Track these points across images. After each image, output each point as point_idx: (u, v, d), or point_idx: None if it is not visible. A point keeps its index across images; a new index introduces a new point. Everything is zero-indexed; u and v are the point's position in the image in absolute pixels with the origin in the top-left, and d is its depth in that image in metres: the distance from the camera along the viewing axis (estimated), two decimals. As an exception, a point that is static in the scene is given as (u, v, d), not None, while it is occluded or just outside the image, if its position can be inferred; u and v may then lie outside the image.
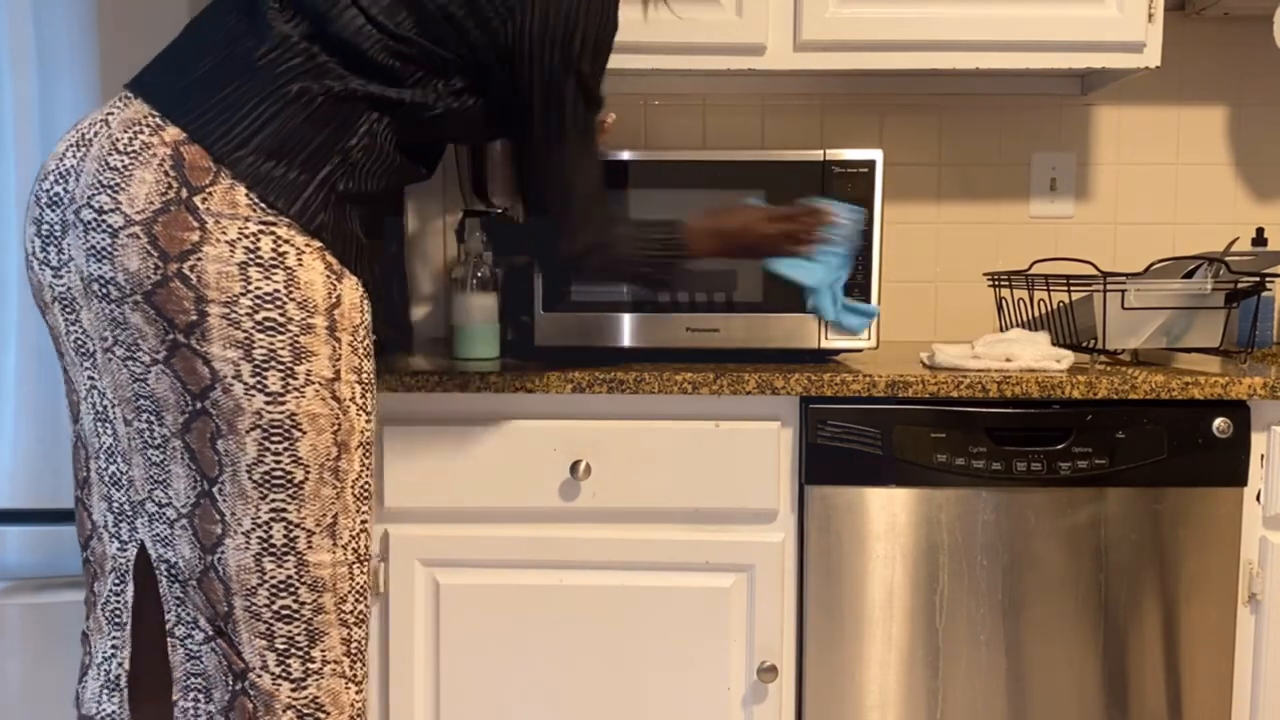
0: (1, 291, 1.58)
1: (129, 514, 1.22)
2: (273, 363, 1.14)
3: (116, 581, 1.25)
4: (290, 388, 1.15)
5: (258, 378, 1.13)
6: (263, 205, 1.14)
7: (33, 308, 1.57)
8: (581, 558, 1.59)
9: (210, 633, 1.20)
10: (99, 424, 1.21)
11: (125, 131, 1.14)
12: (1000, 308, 2.00)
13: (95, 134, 1.17)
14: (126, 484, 1.21)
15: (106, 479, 1.23)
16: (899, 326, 2.19)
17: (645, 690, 1.60)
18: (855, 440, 1.56)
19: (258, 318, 1.13)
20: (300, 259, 1.15)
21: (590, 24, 1.27)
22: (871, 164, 1.67)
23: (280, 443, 1.15)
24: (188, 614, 1.21)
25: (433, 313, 2.16)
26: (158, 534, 1.20)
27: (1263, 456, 1.57)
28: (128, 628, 1.24)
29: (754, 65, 1.83)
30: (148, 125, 1.14)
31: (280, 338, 1.14)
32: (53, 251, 1.17)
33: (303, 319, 1.15)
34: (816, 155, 1.67)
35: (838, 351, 1.74)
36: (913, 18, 1.80)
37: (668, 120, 2.16)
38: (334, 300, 1.18)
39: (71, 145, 1.18)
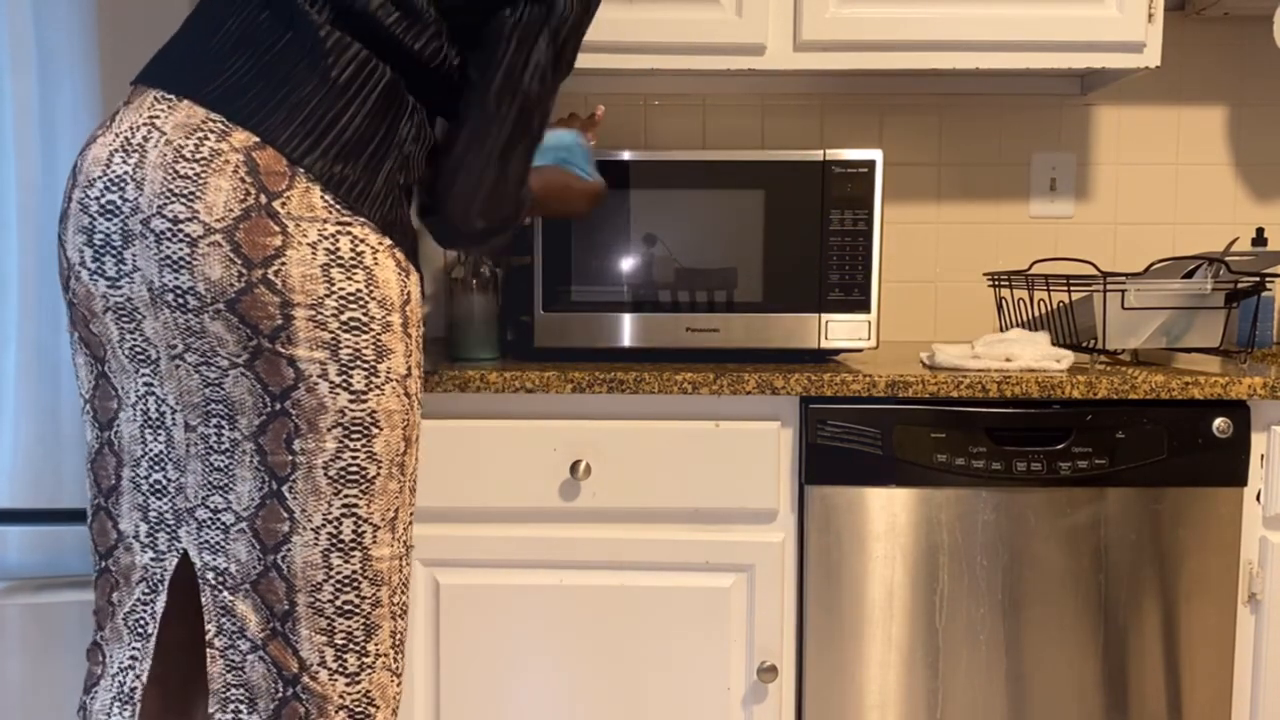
0: (2, 291, 1.58)
1: (170, 523, 1.21)
2: (358, 361, 1.15)
3: (147, 591, 1.23)
4: (373, 386, 1.17)
5: (343, 376, 1.15)
6: (338, 206, 1.14)
7: (34, 308, 1.57)
8: (581, 558, 1.59)
9: (259, 641, 1.19)
10: (148, 431, 1.20)
11: (189, 138, 1.12)
12: (1000, 308, 2.00)
13: (147, 139, 1.14)
14: (174, 492, 1.20)
15: (145, 488, 1.22)
16: (899, 326, 2.19)
17: (645, 690, 1.60)
18: (855, 440, 1.56)
19: (343, 318, 1.14)
20: (376, 258, 1.17)
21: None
22: (871, 164, 1.67)
23: (359, 439, 1.16)
24: (232, 624, 1.20)
25: (433, 313, 2.16)
26: (207, 540, 1.19)
27: (1263, 456, 1.57)
28: (153, 639, 1.23)
29: (754, 65, 1.83)
30: (213, 130, 1.13)
31: (364, 337, 1.15)
32: (109, 261, 1.15)
33: (383, 317, 1.17)
34: (816, 155, 1.68)
35: (838, 351, 1.74)
36: (913, 18, 1.80)
37: (668, 120, 2.16)
38: (405, 297, 1.20)
39: (117, 150, 1.15)
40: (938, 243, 2.19)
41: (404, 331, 1.20)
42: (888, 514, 1.58)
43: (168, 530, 1.21)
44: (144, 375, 1.19)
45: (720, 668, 1.60)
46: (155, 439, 1.20)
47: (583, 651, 1.60)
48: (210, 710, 1.22)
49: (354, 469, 1.17)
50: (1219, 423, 1.55)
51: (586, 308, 1.70)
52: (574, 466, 1.56)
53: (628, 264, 1.69)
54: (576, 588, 1.59)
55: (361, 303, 1.15)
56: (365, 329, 1.16)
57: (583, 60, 1.79)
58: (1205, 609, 1.58)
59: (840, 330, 1.69)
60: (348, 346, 1.14)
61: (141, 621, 1.24)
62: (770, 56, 1.83)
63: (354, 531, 1.18)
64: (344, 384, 1.15)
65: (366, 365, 1.16)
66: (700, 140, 2.17)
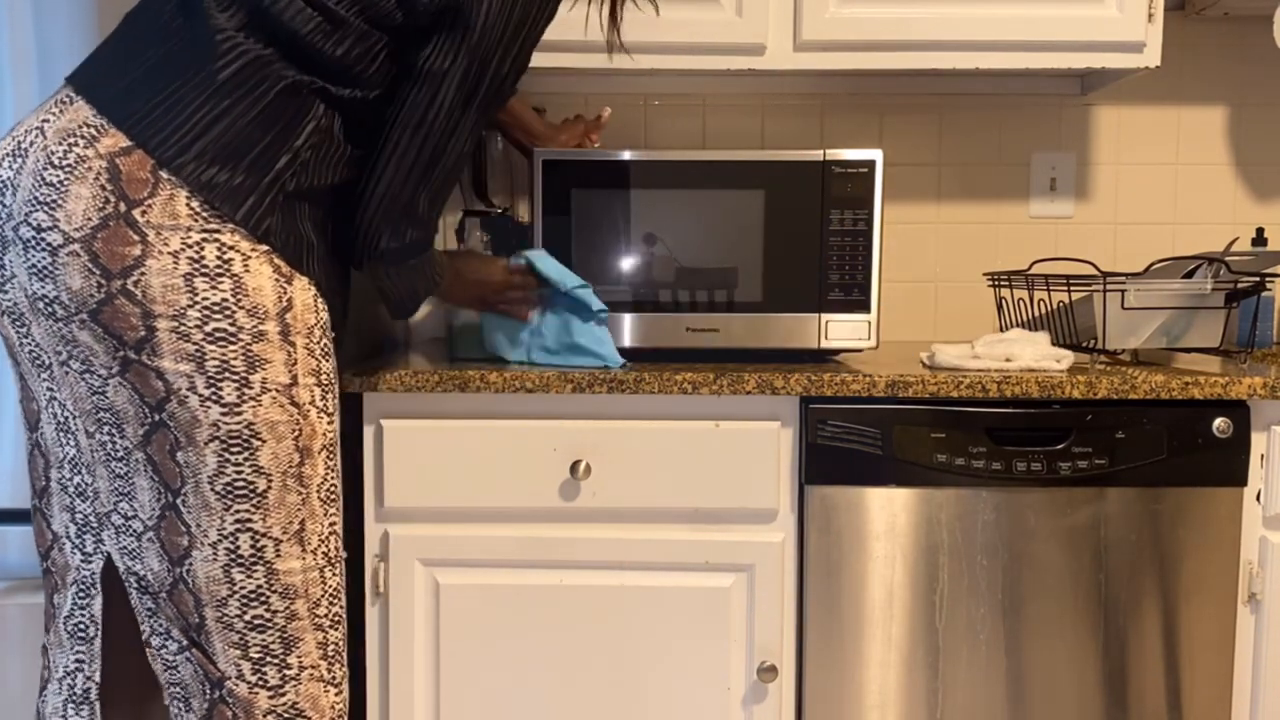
0: (2, 291, 1.57)
1: (94, 525, 1.20)
2: (226, 373, 1.12)
3: (80, 595, 1.23)
4: (246, 397, 1.13)
5: (212, 389, 1.12)
6: (205, 213, 1.11)
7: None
8: (581, 558, 1.59)
9: (184, 643, 1.19)
10: (61, 434, 1.20)
11: (61, 144, 1.11)
12: (1000, 308, 2.00)
13: (30, 144, 1.13)
14: (91, 495, 1.19)
15: (70, 490, 1.21)
16: (899, 326, 2.19)
17: (645, 690, 1.60)
18: (855, 440, 1.56)
19: (207, 329, 1.11)
20: (246, 265, 1.13)
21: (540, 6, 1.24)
22: (871, 164, 1.67)
23: (240, 453, 1.14)
24: (160, 625, 1.19)
25: (433, 313, 2.16)
26: (125, 546, 1.18)
27: (1263, 456, 1.57)
28: (95, 642, 1.23)
29: (754, 65, 1.83)
30: (83, 136, 1.11)
31: (232, 348, 1.12)
32: None
33: (253, 326, 1.13)
34: (816, 155, 1.68)
35: (838, 351, 1.74)
36: (912, 18, 1.80)
37: (668, 120, 2.16)
38: (285, 304, 1.16)
39: (7, 154, 1.14)
40: (938, 243, 2.19)
41: (284, 340, 1.15)
42: (888, 514, 1.58)
43: (93, 533, 1.21)
44: (44, 380, 1.18)
45: (720, 668, 1.60)
46: (68, 443, 1.19)
47: (583, 651, 1.60)
48: (165, 701, 1.23)
49: (240, 483, 1.14)
50: (1219, 423, 1.55)
51: (586, 308, 1.69)
52: (574, 466, 1.56)
53: (628, 264, 1.69)
54: (576, 588, 1.59)
55: (228, 312, 1.12)
56: (233, 339, 1.12)
57: (583, 60, 1.80)
58: (1205, 609, 1.58)
59: (840, 330, 1.69)
60: (214, 358, 1.11)
61: (81, 625, 1.23)
62: (770, 56, 1.83)
63: (252, 546, 1.16)
64: (214, 397, 1.12)
65: (237, 376, 1.12)
66: (700, 140, 2.17)
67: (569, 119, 1.83)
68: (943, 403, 1.56)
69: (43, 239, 1.09)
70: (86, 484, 1.19)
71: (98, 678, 1.23)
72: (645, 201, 1.68)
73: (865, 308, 1.69)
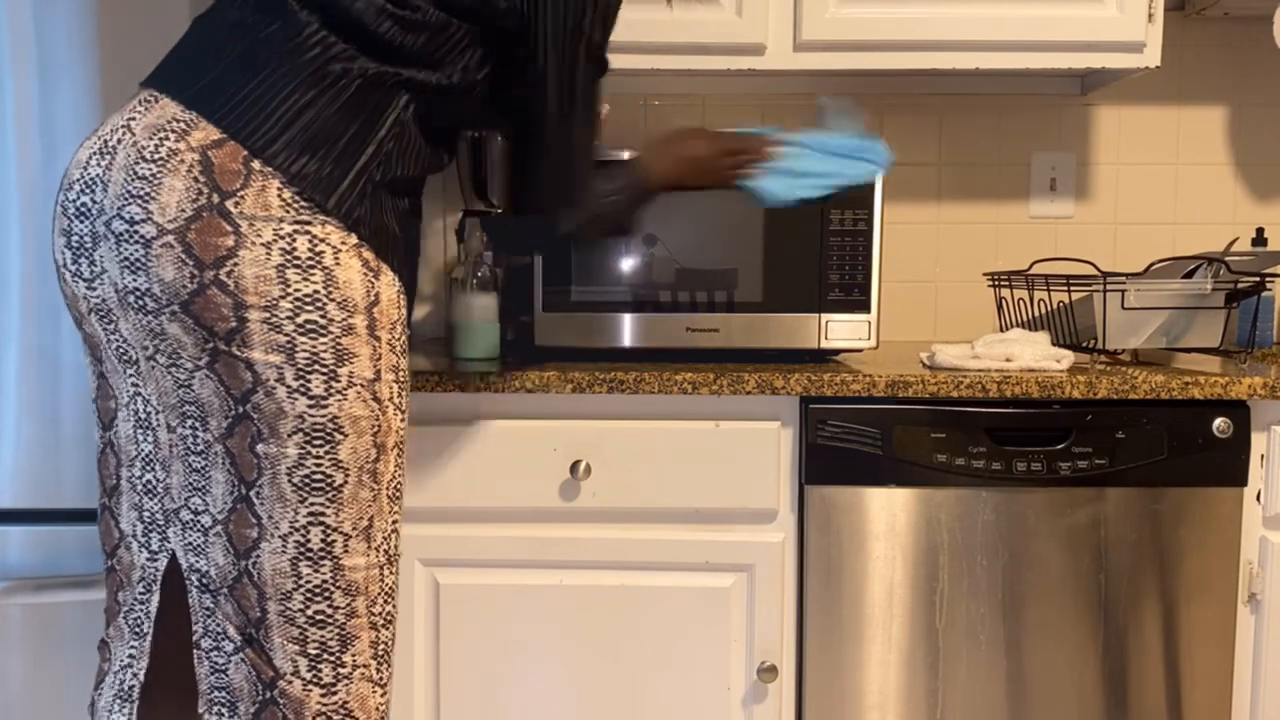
0: (2, 291, 1.58)
1: (160, 523, 1.21)
2: (316, 366, 1.12)
3: (143, 591, 1.23)
4: (333, 391, 1.13)
5: (301, 381, 1.12)
6: (297, 204, 1.12)
7: (34, 308, 1.57)
8: (581, 558, 1.59)
9: (239, 642, 1.19)
10: (139, 431, 1.20)
11: (151, 138, 1.12)
12: (1000, 308, 2.00)
13: (119, 141, 1.14)
14: (162, 492, 1.19)
15: (140, 487, 1.21)
16: (899, 326, 2.19)
17: (645, 690, 1.60)
18: (855, 440, 1.56)
19: (299, 320, 1.11)
20: (337, 258, 1.13)
21: None
22: (871, 164, 1.66)
23: (322, 446, 1.14)
24: (216, 625, 1.19)
25: (433, 313, 2.16)
26: (190, 543, 1.18)
27: (1263, 456, 1.57)
28: (148, 638, 1.23)
29: (754, 65, 1.83)
30: (173, 130, 1.12)
31: (322, 340, 1.12)
32: (84, 264, 1.15)
33: (343, 320, 1.13)
34: (816, 155, 1.67)
35: (838, 351, 1.74)
36: (912, 18, 1.80)
37: (668, 120, 2.16)
38: (372, 298, 1.16)
39: (95, 153, 1.16)
40: (938, 243, 2.19)
41: (370, 334, 1.16)
42: (888, 514, 1.58)
43: (159, 531, 1.21)
44: (130, 376, 1.19)
45: (720, 668, 1.60)
46: (145, 439, 1.20)
47: (583, 651, 1.60)
48: (199, 710, 1.21)
49: (319, 476, 1.14)
50: (1219, 423, 1.55)
51: (586, 308, 1.70)
52: (574, 466, 1.56)
53: (628, 264, 1.69)
54: (576, 588, 1.59)
55: (319, 304, 1.12)
56: (323, 332, 1.12)
57: (583, 60, 1.80)
58: (1205, 609, 1.58)
59: (840, 330, 1.69)
60: (304, 350, 1.11)
61: (138, 621, 1.24)
62: (770, 56, 1.83)
63: (323, 540, 1.16)
64: (302, 389, 1.12)
65: (325, 369, 1.12)
66: (700, 140, 2.17)
67: None
68: (943, 403, 1.56)
69: (136, 232, 1.10)
70: (157, 480, 1.20)
71: (143, 676, 1.23)
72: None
73: (865, 308, 1.69)
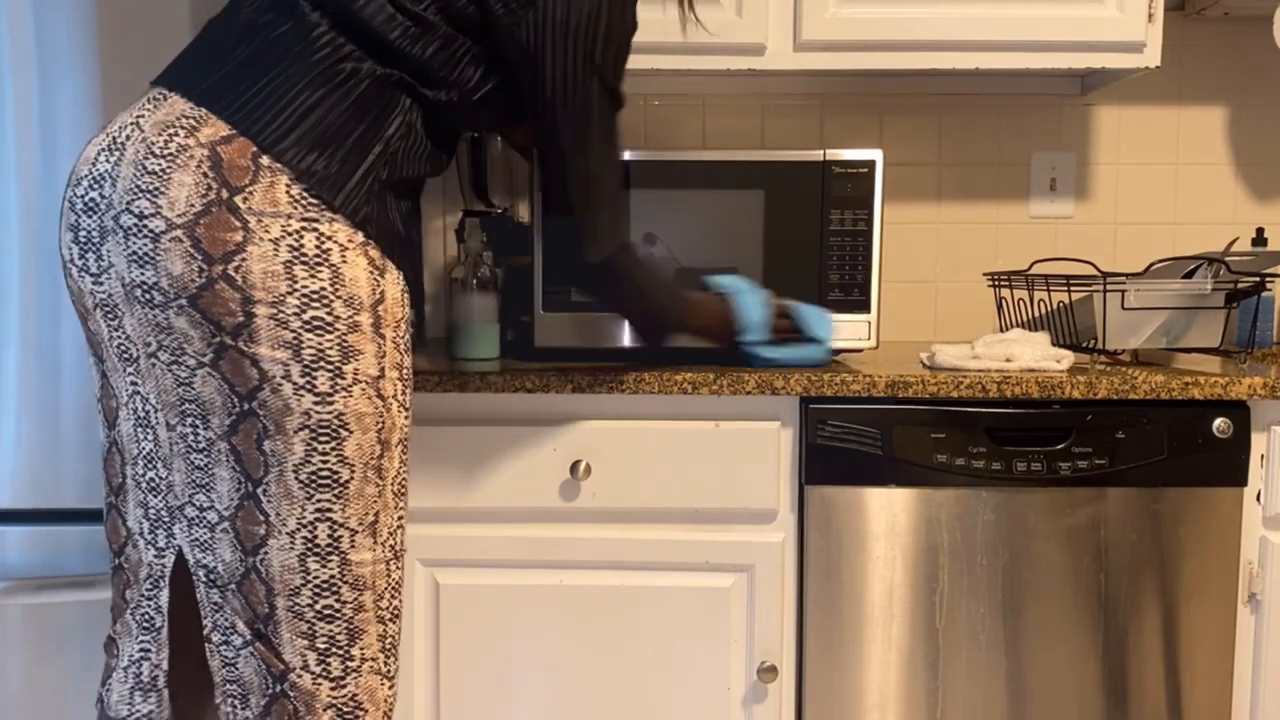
0: (2, 291, 1.58)
1: (166, 520, 1.21)
2: (321, 362, 1.13)
3: (150, 587, 1.23)
4: (338, 387, 1.14)
5: (307, 378, 1.12)
6: (305, 201, 1.12)
7: (34, 308, 1.57)
8: (581, 558, 1.59)
9: (249, 637, 1.19)
10: (139, 429, 1.20)
11: (160, 134, 1.13)
12: (1000, 308, 2.00)
13: (128, 137, 1.15)
14: (165, 489, 1.20)
15: (144, 485, 1.22)
16: (899, 326, 2.19)
17: (645, 690, 1.60)
18: (855, 440, 1.56)
19: (305, 317, 1.12)
20: (344, 255, 1.14)
21: (611, 19, 1.27)
22: (871, 164, 1.67)
23: (328, 442, 1.14)
24: (225, 620, 1.20)
25: (433, 313, 2.16)
26: (197, 539, 1.18)
27: (1263, 456, 1.57)
28: (163, 631, 1.23)
29: (754, 65, 1.83)
30: (183, 127, 1.13)
31: (328, 337, 1.13)
32: (91, 258, 1.16)
33: (349, 317, 1.14)
34: (816, 155, 1.68)
35: (838, 351, 1.74)
36: (913, 18, 1.80)
37: (668, 120, 2.16)
38: (378, 296, 1.17)
39: (103, 149, 1.16)
40: (938, 243, 2.19)
41: (375, 332, 1.17)
42: (888, 514, 1.58)
43: (165, 527, 1.21)
44: (129, 374, 1.19)
45: (720, 668, 1.60)
46: (145, 437, 1.20)
47: (582, 651, 1.60)
48: (217, 701, 1.22)
49: (325, 472, 1.15)
50: (1219, 423, 1.55)
51: (587, 308, 1.69)
52: (574, 466, 1.56)
53: (628, 264, 1.69)
54: (576, 588, 1.59)
55: (325, 301, 1.13)
56: (329, 329, 1.13)
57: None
58: (1205, 609, 1.58)
59: (840, 330, 1.69)
60: (310, 347, 1.12)
61: (148, 616, 1.24)
62: (770, 56, 1.83)
63: (330, 536, 1.17)
64: (308, 386, 1.12)
65: (331, 366, 1.13)
66: (700, 140, 2.17)
67: None
68: (943, 403, 1.56)
69: (145, 226, 1.10)
70: (160, 478, 1.20)
71: (165, 665, 1.24)
72: (645, 201, 1.68)
73: (865, 308, 1.69)
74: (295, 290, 1.11)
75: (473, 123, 1.41)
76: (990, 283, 2.02)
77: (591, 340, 1.70)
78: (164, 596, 1.22)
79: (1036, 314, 1.96)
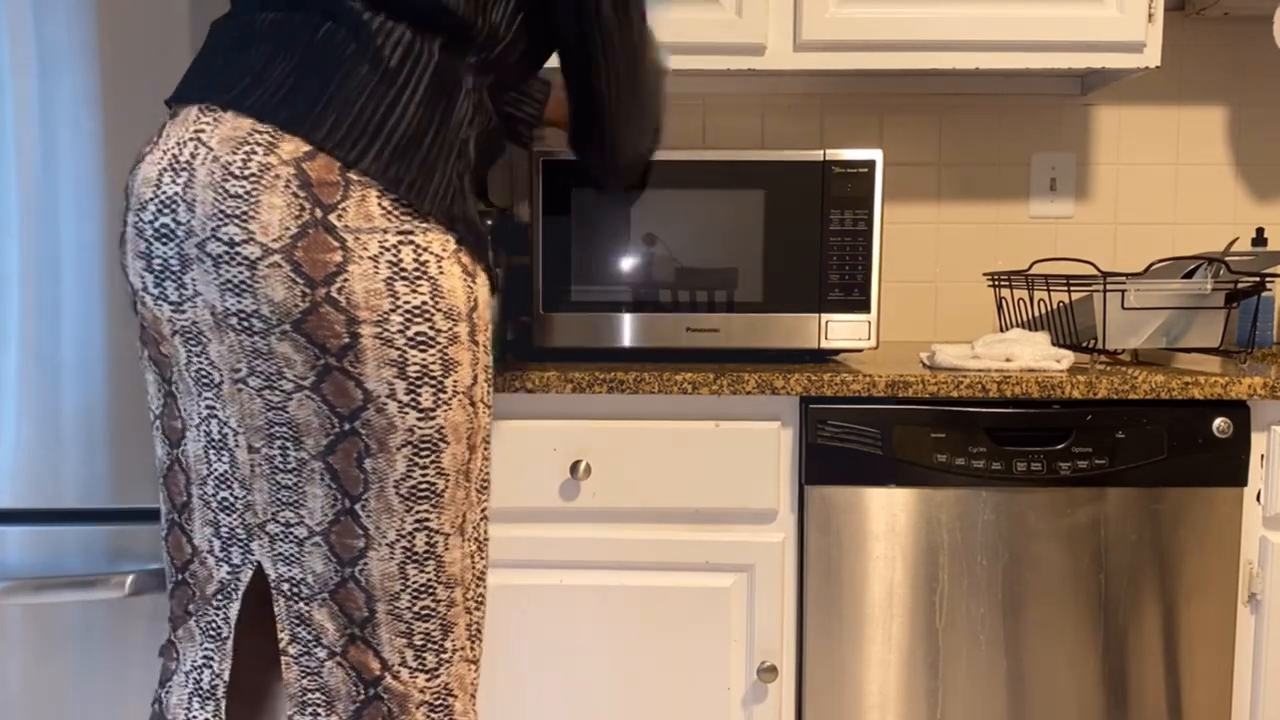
0: (2, 291, 1.58)
1: (241, 537, 1.20)
2: (425, 379, 1.12)
3: (222, 600, 1.23)
4: (440, 402, 1.13)
5: (411, 395, 1.11)
6: (397, 212, 1.10)
7: (34, 308, 1.57)
8: (581, 557, 1.59)
9: (336, 648, 1.19)
10: (211, 451, 1.19)
11: (236, 153, 1.07)
12: (1000, 308, 2.00)
13: (194, 155, 1.09)
14: (242, 508, 1.18)
15: (214, 505, 1.20)
16: (899, 326, 2.19)
17: (645, 690, 1.60)
18: (855, 440, 1.56)
19: (409, 334, 1.10)
20: (441, 266, 1.12)
21: None
22: (871, 164, 1.67)
23: (428, 456, 1.14)
24: (307, 632, 1.19)
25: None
26: (280, 553, 1.17)
27: (1263, 456, 1.57)
28: (228, 641, 1.22)
29: (754, 65, 1.84)
30: (259, 144, 1.08)
31: (431, 352, 1.12)
32: (171, 287, 1.12)
33: (450, 329, 1.13)
34: (816, 155, 1.68)
35: (838, 351, 1.74)
36: (913, 18, 1.80)
37: (668, 120, 2.16)
38: (472, 304, 1.16)
39: (166, 169, 1.11)
40: (938, 243, 2.19)
41: (471, 340, 1.16)
42: (888, 514, 1.58)
43: (240, 545, 1.20)
44: (206, 399, 1.17)
45: (720, 668, 1.60)
46: (219, 459, 1.18)
47: (582, 651, 1.60)
48: (289, 713, 1.21)
49: (424, 485, 1.14)
50: (1219, 423, 1.55)
51: (586, 308, 1.70)
52: (574, 466, 1.56)
53: (628, 264, 1.69)
54: (576, 588, 1.59)
55: (427, 316, 1.11)
56: (432, 343, 1.12)
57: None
58: (1205, 609, 1.58)
59: (840, 330, 1.69)
60: (415, 364, 1.11)
61: (214, 625, 1.23)
62: (770, 56, 1.83)
63: (427, 543, 1.17)
64: (412, 403, 1.11)
65: (434, 381, 1.12)
66: (700, 140, 2.17)
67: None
68: (943, 403, 1.56)
69: (238, 253, 1.07)
70: (235, 498, 1.19)
71: (226, 676, 1.23)
72: (645, 201, 1.68)
73: (865, 308, 1.69)
74: (398, 307, 1.09)
75: (520, 71, 1.34)
76: (990, 283, 2.02)
77: (591, 340, 1.70)
78: (234, 609, 1.21)
79: (1036, 314, 1.96)
